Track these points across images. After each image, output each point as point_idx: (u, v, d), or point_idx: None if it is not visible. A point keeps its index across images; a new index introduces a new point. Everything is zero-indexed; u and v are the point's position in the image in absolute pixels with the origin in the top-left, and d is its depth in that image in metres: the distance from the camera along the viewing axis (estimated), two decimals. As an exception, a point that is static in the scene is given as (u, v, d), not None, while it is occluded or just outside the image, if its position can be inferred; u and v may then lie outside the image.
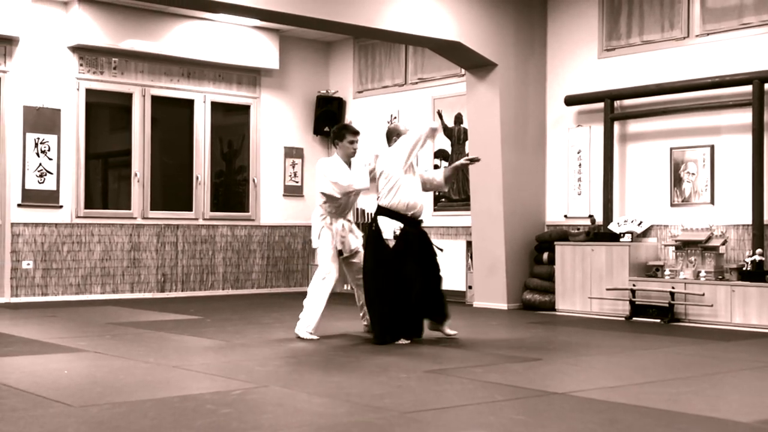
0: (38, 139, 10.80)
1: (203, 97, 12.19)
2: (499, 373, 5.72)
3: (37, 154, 10.77)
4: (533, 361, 6.32)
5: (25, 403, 4.66)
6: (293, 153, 13.02)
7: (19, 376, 5.58)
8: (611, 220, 9.78)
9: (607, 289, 9.37)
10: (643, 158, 9.82)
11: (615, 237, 9.54)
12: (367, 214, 11.76)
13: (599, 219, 9.95)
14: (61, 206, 10.97)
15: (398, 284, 7.12)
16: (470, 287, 10.79)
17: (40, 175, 10.79)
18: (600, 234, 9.70)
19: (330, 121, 12.92)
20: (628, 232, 9.49)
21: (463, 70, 10.81)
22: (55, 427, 4.09)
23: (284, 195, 12.89)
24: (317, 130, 13.05)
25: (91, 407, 4.57)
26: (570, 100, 10.27)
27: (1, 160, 10.63)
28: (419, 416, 4.38)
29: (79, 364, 6.07)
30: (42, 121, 10.84)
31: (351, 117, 12.96)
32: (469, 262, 10.88)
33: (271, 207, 12.73)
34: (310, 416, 4.45)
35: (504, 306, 10.24)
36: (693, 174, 9.37)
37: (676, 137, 9.55)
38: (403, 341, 7.12)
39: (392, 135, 7.41)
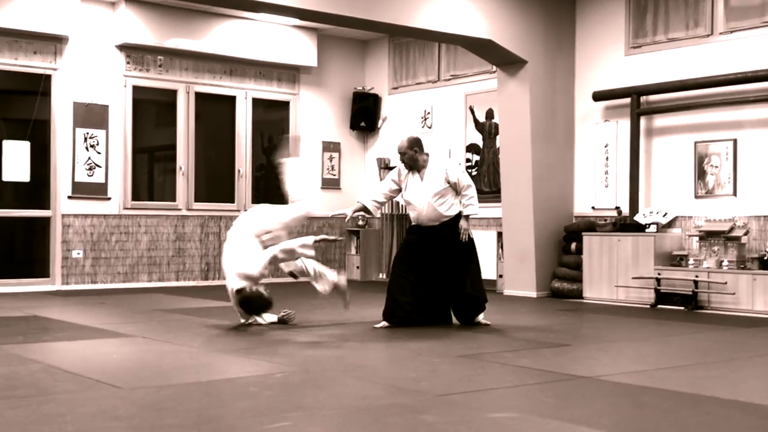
0: (87, 134, 10.88)
1: (245, 93, 12.23)
2: (530, 358, 5.70)
3: (87, 149, 10.86)
4: (562, 347, 6.29)
5: (77, 386, 4.71)
6: (331, 147, 13.03)
7: (71, 359, 5.64)
8: (637, 212, 9.70)
9: (633, 278, 9.31)
10: (668, 152, 9.73)
11: (641, 228, 9.46)
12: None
13: (625, 210, 9.87)
14: (109, 198, 11.06)
15: (395, 277, 7.40)
16: (501, 276, 10.75)
17: (89, 169, 10.88)
18: (626, 225, 9.63)
19: (366, 117, 12.93)
20: (653, 223, 9.42)
21: (494, 67, 10.76)
22: (105, 409, 4.12)
23: (322, 187, 12.90)
24: (354, 125, 13.05)
25: (138, 389, 4.60)
26: (598, 96, 10.19)
27: (52, 154, 10.73)
28: (453, 399, 4.37)
29: (127, 349, 6.12)
30: (91, 116, 10.92)
31: (386, 113, 12.95)
32: (499, 252, 10.85)
33: (309, 199, 12.72)
34: (348, 398, 4.46)
35: (533, 294, 10.20)
36: (716, 167, 9.28)
37: (700, 131, 9.45)
38: (382, 324, 7.25)
39: (413, 146, 7.36)
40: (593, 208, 10.34)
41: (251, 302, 7.06)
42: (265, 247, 7.11)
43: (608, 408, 4.31)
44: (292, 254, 7.13)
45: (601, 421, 3.98)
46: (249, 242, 7.12)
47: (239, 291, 6.98)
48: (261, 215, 7.36)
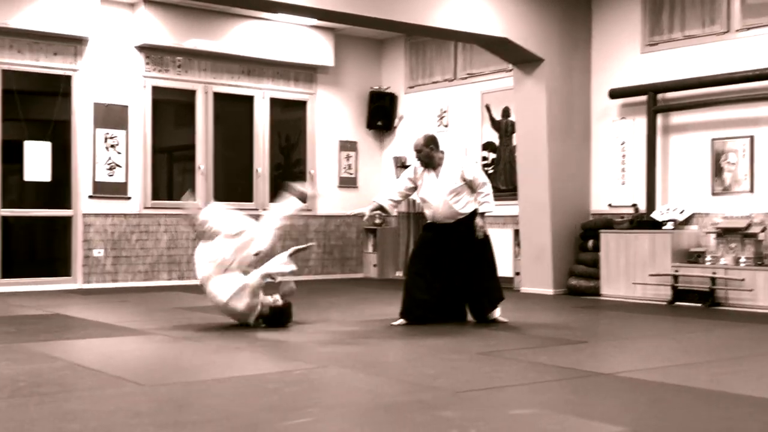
0: (107, 134, 10.94)
1: (262, 93, 12.25)
2: (548, 355, 5.69)
3: (107, 149, 10.92)
4: (580, 344, 6.28)
5: (99, 383, 4.74)
6: (348, 146, 13.04)
7: (93, 357, 5.68)
8: (654, 209, 9.67)
9: (650, 275, 9.27)
10: (685, 149, 9.69)
11: (658, 225, 9.43)
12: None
13: (642, 208, 9.84)
14: (129, 198, 11.11)
15: (412, 275, 7.41)
16: (518, 273, 10.74)
17: (110, 168, 10.93)
18: (643, 222, 9.60)
19: (382, 116, 12.94)
20: (670, 220, 9.38)
21: (510, 65, 10.74)
22: (127, 405, 4.15)
23: (339, 186, 12.92)
24: (370, 124, 13.06)
25: (160, 386, 4.63)
26: (614, 94, 10.16)
27: (73, 154, 10.79)
28: (472, 395, 4.37)
29: (149, 346, 6.16)
30: (111, 117, 10.98)
31: (402, 111, 12.95)
32: (516, 250, 10.83)
33: (326, 198, 12.77)
34: (368, 395, 4.47)
35: (550, 291, 10.18)
36: (733, 164, 9.23)
37: (716, 128, 9.40)
38: (400, 321, 7.24)
39: (429, 143, 7.37)
40: (610, 205, 10.31)
41: (283, 315, 7.09)
42: (245, 273, 6.99)
43: (627, 404, 4.30)
44: (273, 276, 7.06)
45: (619, 417, 3.97)
46: (226, 274, 6.94)
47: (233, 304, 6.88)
48: (216, 249, 7.11)
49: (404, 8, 9.13)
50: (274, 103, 12.40)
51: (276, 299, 7.07)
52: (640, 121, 10.00)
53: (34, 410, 4.02)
